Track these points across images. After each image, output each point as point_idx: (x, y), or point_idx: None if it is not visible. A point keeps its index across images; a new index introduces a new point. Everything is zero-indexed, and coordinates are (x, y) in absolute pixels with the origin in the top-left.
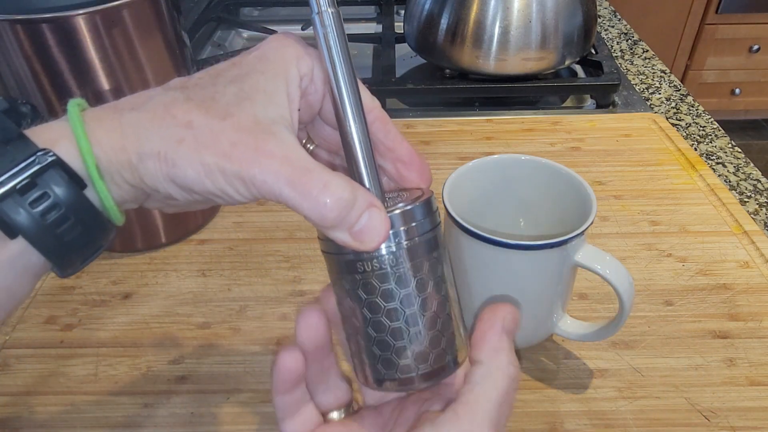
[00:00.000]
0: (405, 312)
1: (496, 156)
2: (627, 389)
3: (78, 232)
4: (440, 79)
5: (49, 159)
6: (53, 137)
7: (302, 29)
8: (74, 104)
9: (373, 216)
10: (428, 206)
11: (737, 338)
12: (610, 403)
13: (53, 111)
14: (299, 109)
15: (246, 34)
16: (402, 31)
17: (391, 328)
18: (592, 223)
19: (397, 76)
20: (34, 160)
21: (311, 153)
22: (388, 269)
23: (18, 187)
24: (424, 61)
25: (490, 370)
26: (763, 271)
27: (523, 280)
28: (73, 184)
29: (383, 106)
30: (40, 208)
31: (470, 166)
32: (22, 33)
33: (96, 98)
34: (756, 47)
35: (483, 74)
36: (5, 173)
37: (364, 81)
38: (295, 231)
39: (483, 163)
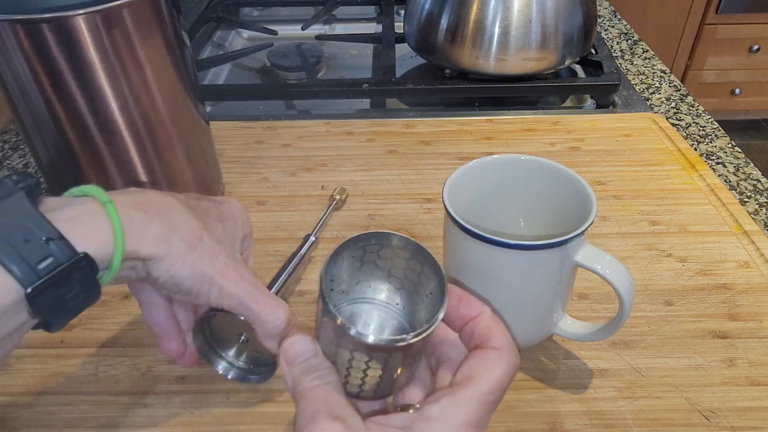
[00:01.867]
0: (369, 373)
1: (496, 156)
2: (627, 389)
3: (80, 302)
4: (440, 79)
5: (84, 262)
6: (90, 234)
7: (302, 29)
8: (111, 207)
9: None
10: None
11: (737, 338)
12: (610, 403)
13: (53, 113)
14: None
15: (246, 34)
16: (402, 31)
17: (346, 376)
18: (592, 223)
19: (397, 76)
20: (72, 265)
21: None
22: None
23: (55, 281)
24: (424, 61)
25: (505, 355)
26: (763, 271)
27: (523, 280)
28: (97, 282)
29: (383, 105)
30: (68, 295)
31: (470, 166)
32: (22, 33)
33: (96, 98)
34: (756, 47)
35: (483, 74)
36: (49, 273)
37: (365, 81)
38: (295, 231)
39: (483, 163)
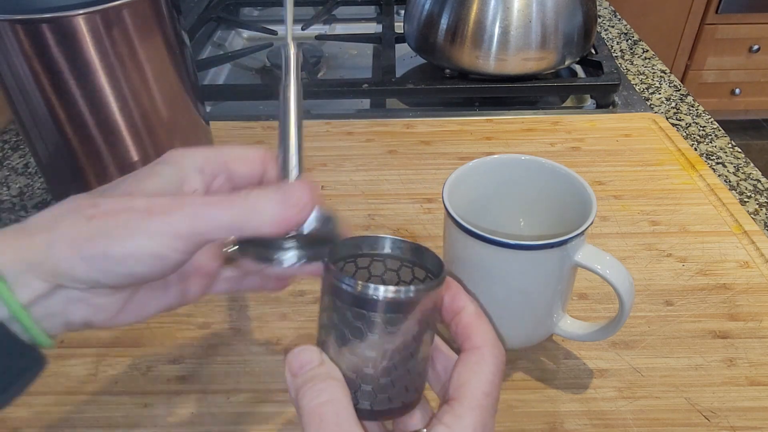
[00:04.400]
0: (383, 353)
1: (496, 156)
2: (627, 389)
3: None
4: (440, 79)
5: None
6: None
7: (302, 29)
8: None
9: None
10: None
11: (737, 338)
12: (610, 403)
13: (53, 113)
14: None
15: (246, 34)
16: (402, 31)
17: (369, 361)
18: (592, 223)
19: (397, 76)
20: None
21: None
22: (378, 314)
23: None
24: (424, 61)
25: (488, 352)
26: (763, 271)
27: (523, 280)
28: None
29: (383, 106)
30: None
31: (470, 166)
32: (22, 33)
33: (96, 98)
34: (756, 47)
35: (483, 74)
36: None
37: (365, 81)
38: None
39: (483, 163)
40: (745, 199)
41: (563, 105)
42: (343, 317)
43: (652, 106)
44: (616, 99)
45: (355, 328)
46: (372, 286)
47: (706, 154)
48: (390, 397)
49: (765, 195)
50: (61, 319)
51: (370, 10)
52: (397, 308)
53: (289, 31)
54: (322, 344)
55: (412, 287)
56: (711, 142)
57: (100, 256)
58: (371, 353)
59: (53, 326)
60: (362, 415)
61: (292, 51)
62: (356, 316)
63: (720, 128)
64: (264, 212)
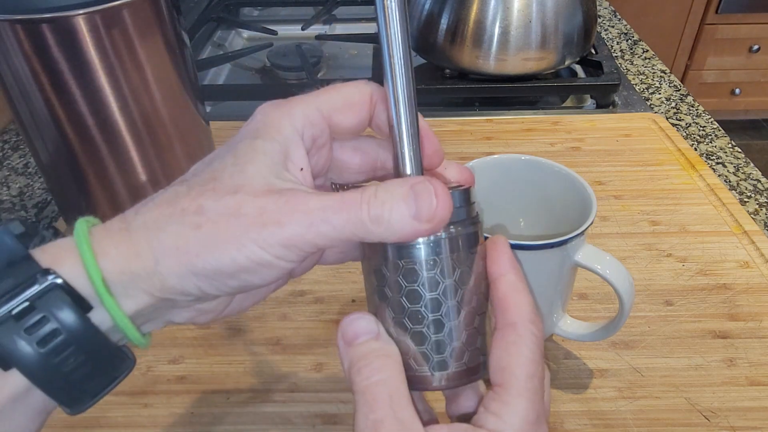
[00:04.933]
0: (446, 303)
1: (496, 156)
2: (627, 389)
3: (81, 362)
4: (440, 79)
5: (50, 280)
6: (58, 256)
7: (302, 29)
8: (82, 221)
9: (439, 195)
10: (468, 194)
11: (737, 338)
12: (610, 403)
13: (53, 113)
14: (312, 161)
15: (246, 34)
16: None
17: (430, 319)
18: (592, 223)
19: None
20: (33, 282)
21: None
22: (430, 255)
23: (14, 312)
24: (424, 61)
25: (524, 330)
26: (763, 271)
27: None
28: (75, 307)
29: None
30: (39, 334)
31: (470, 166)
32: (22, 33)
33: (96, 98)
34: (756, 47)
35: (483, 74)
36: (6, 297)
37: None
38: None
39: (483, 163)
40: (745, 199)
41: (563, 105)
42: (391, 275)
43: (652, 106)
44: (616, 99)
45: (402, 284)
46: None
47: (706, 154)
48: (448, 359)
49: (765, 195)
50: (162, 321)
51: (370, 10)
52: (438, 250)
53: None
54: (374, 311)
55: (450, 227)
56: (711, 142)
57: (211, 271)
58: (423, 310)
59: (154, 326)
60: (420, 382)
61: None
62: (405, 271)
63: (720, 128)
64: (391, 224)
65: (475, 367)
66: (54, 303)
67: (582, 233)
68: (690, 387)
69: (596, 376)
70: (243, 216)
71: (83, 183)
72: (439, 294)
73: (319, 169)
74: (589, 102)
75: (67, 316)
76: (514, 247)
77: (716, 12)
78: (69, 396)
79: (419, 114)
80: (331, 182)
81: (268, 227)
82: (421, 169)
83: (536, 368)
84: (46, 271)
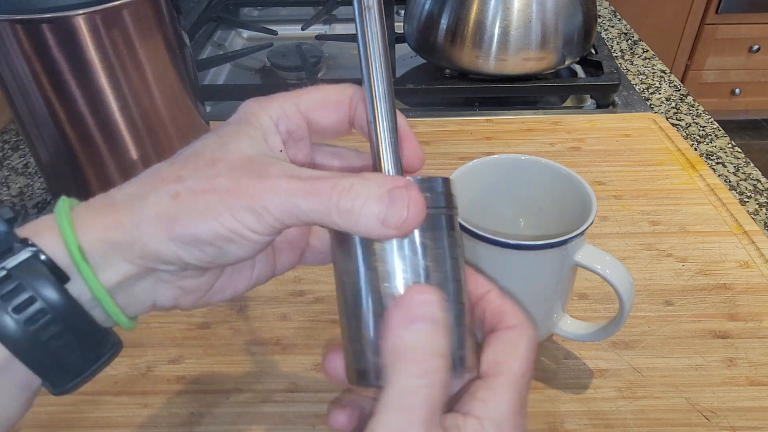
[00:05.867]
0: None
1: (496, 156)
2: (627, 389)
3: (59, 331)
4: (440, 79)
5: (27, 249)
6: (38, 229)
7: (302, 29)
8: (65, 198)
9: (413, 201)
10: (447, 183)
11: (737, 338)
12: (610, 403)
13: (53, 113)
14: (290, 153)
15: (246, 34)
16: (402, 31)
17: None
18: (592, 223)
19: (397, 76)
20: (10, 252)
21: None
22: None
23: None
24: (424, 61)
25: (524, 332)
26: (763, 271)
27: (523, 280)
28: (51, 276)
29: None
30: (14, 302)
31: (470, 166)
32: (22, 33)
33: (96, 98)
34: (756, 47)
35: (483, 74)
36: None
37: None
38: None
39: (483, 163)
40: (745, 199)
41: (563, 105)
42: (357, 263)
43: (652, 106)
44: (616, 99)
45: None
46: None
47: (706, 154)
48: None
49: (765, 195)
50: (148, 300)
51: None
52: (408, 243)
53: None
54: (341, 304)
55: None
56: (711, 142)
57: (189, 236)
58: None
59: (139, 308)
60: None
61: None
62: (375, 256)
63: (720, 128)
64: (358, 221)
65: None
66: (30, 272)
67: (582, 233)
68: (690, 387)
69: (596, 376)
70: (218, 186)
71: (83, 183)
72: (408, 273)
73: (298, 163)
74: (589, 102)
75: (44, 285)
76: (514, 247)
77: (716, 12)
78: (49, 369)
79: (402, 116)
80: None
81: (240, 199)
82: (400, 168)
83: (528, 369)
84: (24, 242)
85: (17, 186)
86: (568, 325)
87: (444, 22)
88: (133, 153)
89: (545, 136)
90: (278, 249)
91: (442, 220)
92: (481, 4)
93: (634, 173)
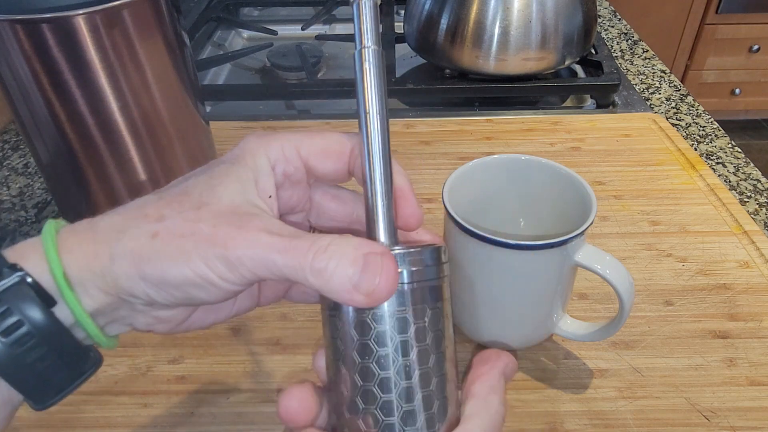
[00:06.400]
0: (398, 361)
1: (496, 156)
2: (627, 389)
3: (43, 353)
4: (440, 79)
5: (16, 274)
6: (25, 253)
7: (302, 29)
8: (51, 221)
9: (385, 272)
10: (437, 253)
11: (737, 338)
12: (610, 403)
13: (53, 113)
14: (285, 195)
15: (246, 34)
16: (402, 31)
17: (380, 377)
18: (592, 223)
19: (397, 76)
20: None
21: None
22: (386, 309)
23: None
24: (424, 61)
25: (485, 404)
26: (763, 271)
27: (523, 280)
28: (38, 301)
29: None
30: (2, 325)
31: (470, 166)
32: (22, 33)
33: (96, 98)
34: (756, 47)
35: (483, 74)
36: None
37: None
38: None
39: (483, 163)
40: (745, 199)
41: (563, 105)
42: (343, 325)
43: (652, 106)
44: (616, 99)
45: (353, 336)
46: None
47: (706, 154)
48: (397, 424)
49: (765, 195)
50: (125, 323)
51: None
52: (398, 304)
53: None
54: (329, 362)
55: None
56: (711, 142)
57: (158, 279)
58: (373, 366)
59: (118, 329)
60: None
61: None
62: (357, 322)
63: (720, 128)
64: (330, 282)
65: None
66: (18, 296)
67: (582, 233)
68: (690, 387)
69: (596, 376)
70: (197, 232)
71: (83, 183)
72: (391, 350)
73: (294, 204)
74: (589, 102)
75: (31, 309)
76: (514, 247)
77: (716, 12)
78: (33, 388)
79: (403, 173)
80: (310, 223)
81: (216, 247)
82: (392, 231)
83: (496, 390)
84: (13, 267)
85: (17, 186)
86: (568, 325)
87: (444, 22)
88: (133, 153)
89: (545, 136)
90: (264, 283)
91: (427, 294)
92: (481, 4)
93: (634, 173)
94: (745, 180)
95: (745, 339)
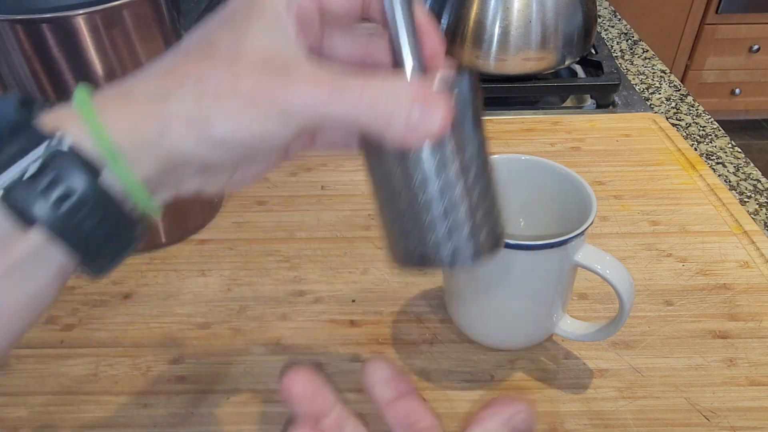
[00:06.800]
0: (465, 180)
1: (496, 156)
2: (627, 389)
3: (96, 222)
4: None
5: (59, 143)
6: (62, 122)
7: None
8: (81, 88)
9: (434, 107)
10: (473, 77)
11: (737, 338)
12: (610, 403)
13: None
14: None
15: None
16: None
17: (448, 198)
18: (592, 223)
19: None
20: (43, 147)
21: None
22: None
23: (27, 173)
24: None
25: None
26: (763, 271)
27: (523, 280)
28: (87, 169)
29: None
30: (54, 195)
31: None
32: (22, 33)
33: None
34: (756, 47)
35: (483, 74)
36: (13, 162)
37: None
38: (295, 231)
39: None
40: (745, 199)
41: (563, 105)
42: (392, 163)
43: (652, 106)
44: (616, 99)
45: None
46: None
47: (706, 154)
48: (464, 241)
49: (765, 195)
50: (172, 190)
51: None
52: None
53: None
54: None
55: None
56: (711, 142)
57: (219, 140)
58: (429, 194)
59: (163, 196)
60: (439, 264)
61: None
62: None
63: (720, 128)
64: (392, 122)
65: (490, 245)
66: (66, 165)
67: (582, 233)
68: (690, 387)
69: (596, 376)
70: (243, 87)
71: None
72: (446, 178)
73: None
74: (589, 102)
75: (80, 177)
76: (514, 247)
77: (716, 12)
78: (90, 253)
79: (423, 8)
80: None
81: (267, 103)
82: (423, 64)
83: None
84: (54, 135)
85: None
86: (568, 325)
87: (444, 22)
88: None
89: (545, 136)
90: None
91: (474, 118)
92: (481, 4)
93: (634, 173)
94: (745, 180)
95: (745, 339)
